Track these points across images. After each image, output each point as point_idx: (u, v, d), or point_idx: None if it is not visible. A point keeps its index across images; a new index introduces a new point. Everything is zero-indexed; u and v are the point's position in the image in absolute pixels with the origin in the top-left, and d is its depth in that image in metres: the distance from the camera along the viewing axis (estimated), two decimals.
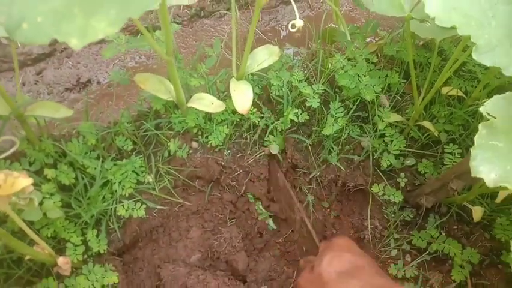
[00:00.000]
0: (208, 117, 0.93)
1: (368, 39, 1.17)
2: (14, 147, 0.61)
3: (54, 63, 1.25)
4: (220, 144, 0.92)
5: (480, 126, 0.51)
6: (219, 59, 0.98)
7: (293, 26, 0.74)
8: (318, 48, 1.05)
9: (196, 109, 0.88)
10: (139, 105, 0.92)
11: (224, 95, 0.94)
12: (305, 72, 0.99)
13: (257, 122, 0.93)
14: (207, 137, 0.91)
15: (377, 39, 1.22)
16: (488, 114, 0.51)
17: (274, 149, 0.91)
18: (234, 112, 0.93)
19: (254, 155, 0.96)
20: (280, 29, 1.39)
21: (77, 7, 0.40)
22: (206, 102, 0.86)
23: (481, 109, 0.52)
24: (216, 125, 0.91)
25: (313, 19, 1.31)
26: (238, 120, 0.94)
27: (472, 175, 0.50)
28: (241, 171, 0.96)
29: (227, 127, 0.91)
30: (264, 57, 0.90)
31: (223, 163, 0.93)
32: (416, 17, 0.75)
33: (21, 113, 0.80)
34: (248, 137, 0.96)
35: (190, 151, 0.92)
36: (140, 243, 0.94)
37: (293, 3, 0.70)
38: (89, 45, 1.29)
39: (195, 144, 0.93)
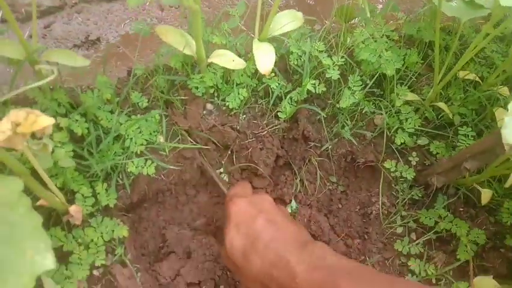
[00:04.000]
0: (226, 78, 0.91)
1: (385, 20, 1.16)
2: (52, 76, 0.59)
3: (63, 18, 1.22)
4: (237, 107, 0.90)
5: None
6: (243, 22, 0.97)
7: None
8: (338, 22, 1.04)
9: (214, 67, 0.86)
10: (157, 60, 0.89)
11: (243, 58, 0.92)
12: (325, 42, 0.98)
13: (274, 88, 0.92)
14: (223, 99, 0.90)
15: (394, 18, 1.21)
16: None
17: None
18: (253, 76, 0.92)
19: (269, 127, 0.95)
20: (293, 4, 1.38)
21: None
22: (227, 59, 0.84)
23: None
24: (235, 86, 0.89)
25: None
26: (255, 85, 0.93)
27: (503, 142, 0.50)
28: (254, 139, 0.95)
29: (246, 90, 0.89)
30: (287, 20, 0.88)
31: (238, 127, 0.92)
32: None
33: (36, 59, 0.77)
34: (263, 103, 0.95)
35: (204, 112, 0.90)
36: (146, 204, 0.92)
37: None
38: (101, 3, 1.26)
39: (209, 106, 0.92)
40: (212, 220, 0.95)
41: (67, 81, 0.92)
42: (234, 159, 0.97)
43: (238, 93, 0.89)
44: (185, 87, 0.91)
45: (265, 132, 0.94)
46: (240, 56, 0.94)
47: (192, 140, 0.90)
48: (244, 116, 0.95)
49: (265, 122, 0.94)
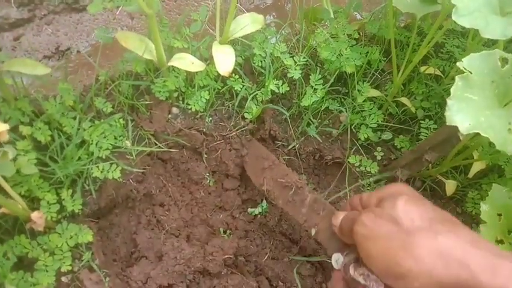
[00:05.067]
0: (190, 81, 0.93)
1: (349, 19, 1.19)
2: None
3: (33, 30, 1.22)
4: (202, 110, 0.92)
5: (457, 78, 0.52)
6: (203, 28, 0.98)
7: None
8: (300, 24, 1.06)
9: (177, 71, 0.87)
10: (121, 66, 0.90)
11: (208, 62, 0.94)
12: (288, 44, 1.00)
13: (239, 89, 0.93)
14: (187, 102, 0.91)
15: (359, 19, 1.24)
16: (465, 68, 0.52)
17: None
18: (217, 79, 0.93)
19: (236, 129, 0.96)
20: (263, 3, 1.40)
21: None
22: (187, 62, 0.86)
23: (458, 64, 0.54)
24: (197, 90, 0.91)
25: None
26: (220, 87, 0.94)
27: (447, 123, 0.51)
28: (222, 141, 0.96)
29: (208, 93, 0.91)
30: (247, 22, 0.90)
31: (205, 130, 0.93)
32: None
33: None
34: (229, 105, 0.96)
35: (170, 116, 0.91)
36: (116, 210, 0.93)
37: None
38: (70, 14, 1.27)
39: (175, 110, 0.93)
40: (183, 223, 0.96)
41: (37, 92, 0.92)
42: (205, 161, 0.98)
43: (201, 96, 0.91)
44: (150, 92, 0.92)
45: (233, 133, 0.96)
46: (204, 59, 0.96)
47: (157, 143, 0.91)
48: (211, 118, 0.96)
49: (232, 123, 0.96)
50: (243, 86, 0.95)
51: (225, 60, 0.87)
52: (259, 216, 0.98)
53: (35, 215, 0.69)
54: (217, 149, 0.97)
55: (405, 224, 0.48)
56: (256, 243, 0.96)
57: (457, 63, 0.54)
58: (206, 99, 0.91)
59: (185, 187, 0.99)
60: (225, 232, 0.96)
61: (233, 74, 0.93)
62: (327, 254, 0.67)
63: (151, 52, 0.86)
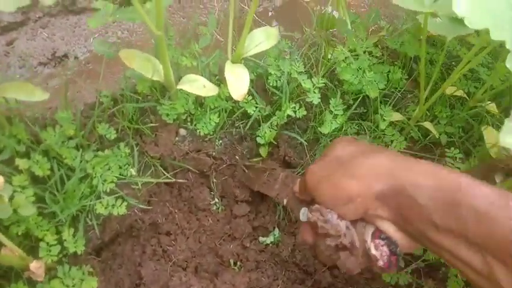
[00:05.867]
0: (200, 102, 0.86)
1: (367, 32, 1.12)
2: None
3: (27, 34, 1.13)
4: (211, 133, 0.85)
5: None
6: (219, 36, 0.91)
7: None
8: (316, 35, 0.99)
9: (186, 92, 0.81)
10: (124, 83, 0.83)
11: (216, 79, 0.87)
12: (304, 60, 0.93)
13: (252, 112, 0.87)
14: (195, 125, 0.85)
15: (375, 26, 1.16)
16: None
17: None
18: (228, 99, 0.86)
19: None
20: (273, 10, 1.32)
21: None
22: (198, 85, 0.79)
23: None
24: (208, 112, 0.84)
25: (309, 3, 1.24)
26: (231, 107, 0.88)
27: (501, 145, 0.50)
28: (231, 164, 0.90)
29: (218, 115, 0.84)
30: (261, 39, 0.83)
31: (214, 153, 0.86)
32: (439, 13, 0.69)
33: None
34: (241, 126, 0.90)
35: (177, 138, 0.85)
36: (120, 239, 0.87)
37: None
38: (67, 16, 1.18)
39: (182, 131, 0.86)
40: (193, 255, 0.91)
41: (35, 105, 0.85)
42: (213, 186, 0.92)
43: (210, 119, 0.84)
44: (155, 112, 0.85)
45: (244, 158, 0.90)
46: (214, 76, 0.89)
47: (164, 171, 0.85)
48: (221, 141, 0.89)
49: (241, 146, 0.89)
50: (256, 107, 0.88)
51: (238, 83, 0.81)
52: (270, 245, 0.93)
53: (33, 266, 0.63)
54: (226, 174, 0.92)
55: (344, 158, 0.57)
56: (268, 275, 0.91)
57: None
58: (216, 122, 0.84)
59: (192, 213, 0.93)
60: (235, 264, 0.91)
61: (246, 96, 0.86)
62: (296, 216, 0.75)
63: (159, 73, 0.79)
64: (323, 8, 1.09)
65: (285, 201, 0.78)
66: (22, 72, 1.08)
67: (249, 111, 0.87)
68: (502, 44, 0.56)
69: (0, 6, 0.64)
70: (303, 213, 0.64)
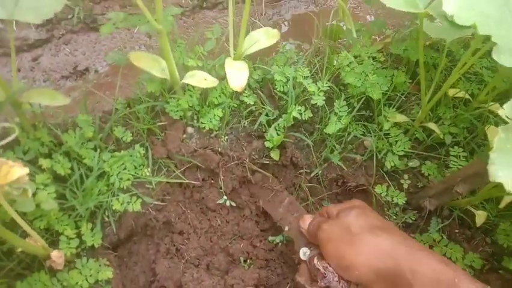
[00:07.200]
0: (204, 99, 0.91)
1: (373, 37, 1.15)
2: (14, 135, 0.58)
3: (51, 50, 1.21)
4: (216, 129, 0.90)
5: (500, 129, 0.49)
6: (219, 46, 0.97)
7: None
8: (323, 44, 1.03)
9: (191, 89, 0.86)
10: (137, 88, 0.89)
11: (224, 80, 0.92)
12: (310, 67, 0.97)
13: (254, 109, 0.92)
14: (201, 122, 0.89)
15: (382, 36, 1.20)
16: (507, 117, 0.49)
17: None
18: (232, 96, 0.91)
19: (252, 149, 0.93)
20: (283, 23, 1.37)
21: None
22: (199, 78, 0.84)
23: (499, 112, 0.50)
24: (212, 108, 0.89)
25: (317, 15, 1.29)
26: (235, 105, 0.92)
27: (491, 179, 0.48)
28: (238, 162, 0.94)
29: (222, 110, 0.89)
30: (261, 37, 0.89)
31: (220, 149, 0.90)
32: (432, 14, 0.73)
33: (17, 100, 0.77)
34: (246, 123, 0.94)
35: (184, 136, 0.89)
36: (135, 238, 0.91)
37: None
38: (88, 33, 1.26)
39: (190, 129, 0.91)
40: (203, 252, 0.94)
41: (57, 114, 0.91)
42: (221, 184, 0.95)
43: (214, 114, 0.89)
44: (165, 112, 0.90)
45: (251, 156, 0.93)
46: (221, 78, 0.94)
47: (175, 169, 0.89)
48: (227, 137, 0.93)
49: (249, 145, 0.93)
50: (263, 108, 0.92)
51: (237, 75, 0.86)
52: (280, 244, 0.96)
53: (54, 255, 0.68)
54: (234, 173, 0.95)
55: (354, 229, 0.64)
56: (277, 273, 0.94)
57: (499, 112, 0.50)
58: (219, 117, 0.89)
59: (203, 213, 0.97)
60: (245, 261, 0.94)
61: (245, 90, 0.91)
62: (295, 248, 0.80)
63: (164, 70, 0.84)
64: (329, 20, 1.14)
65: (286, 228, 0.87)
66: (46, 86, 1.16)
67: (248, 103, 0.92)
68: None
69: (29, 19, 0.71)
70: (304, 253, 0.74)
